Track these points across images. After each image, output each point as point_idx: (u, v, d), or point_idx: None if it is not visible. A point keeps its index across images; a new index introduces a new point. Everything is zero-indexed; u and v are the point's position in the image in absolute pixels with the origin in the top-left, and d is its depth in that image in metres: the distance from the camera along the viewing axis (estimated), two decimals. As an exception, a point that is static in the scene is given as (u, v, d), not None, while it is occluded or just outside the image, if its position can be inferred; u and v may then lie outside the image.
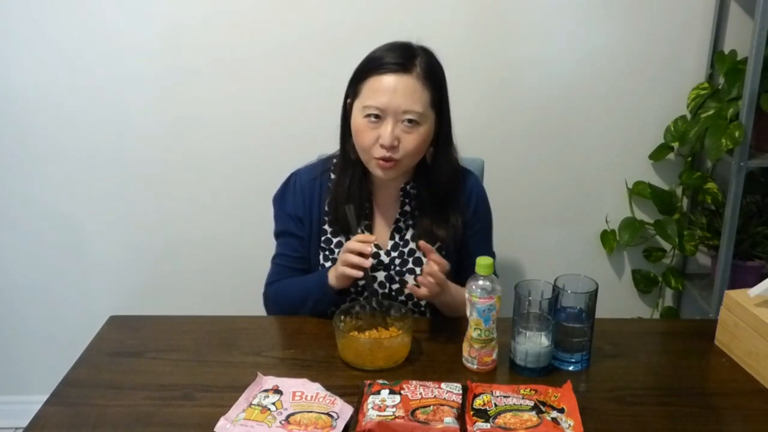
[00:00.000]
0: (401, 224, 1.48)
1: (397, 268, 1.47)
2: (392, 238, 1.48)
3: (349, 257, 1.31)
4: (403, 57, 1.32)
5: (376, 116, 1.32)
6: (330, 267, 1.40)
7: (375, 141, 1.33)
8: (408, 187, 1.47)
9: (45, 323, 2.30)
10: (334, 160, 1.50)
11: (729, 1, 1.98)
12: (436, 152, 1.42)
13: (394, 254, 1.47)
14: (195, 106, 2.07)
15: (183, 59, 2.02)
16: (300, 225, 1.48)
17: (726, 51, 1.96)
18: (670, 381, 1.26)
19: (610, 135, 2.11)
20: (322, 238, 1.48)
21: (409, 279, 1.46)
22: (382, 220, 1.49)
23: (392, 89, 1.30)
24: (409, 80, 1.31)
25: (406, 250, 1.47)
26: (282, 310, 1.48)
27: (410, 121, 1.32)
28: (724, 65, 1.93)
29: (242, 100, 2.06)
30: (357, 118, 1.35)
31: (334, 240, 1.48)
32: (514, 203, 2.13)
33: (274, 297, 1.50)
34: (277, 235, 1.52)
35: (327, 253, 1.48)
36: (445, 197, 1.45)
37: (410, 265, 1.47)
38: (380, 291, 1.47)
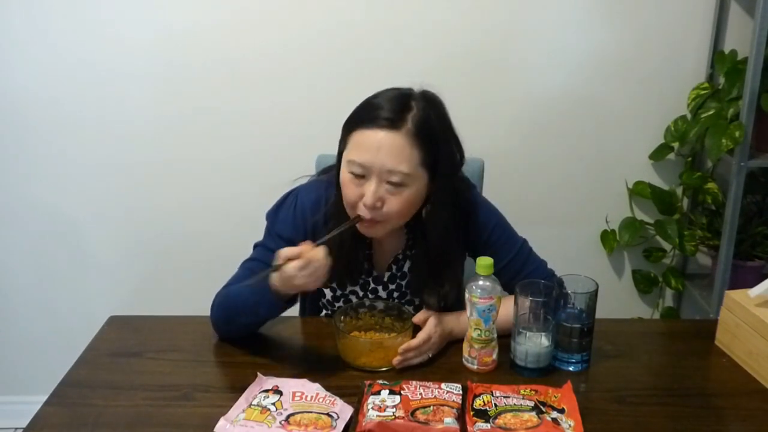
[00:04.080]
0: (400, 256, 1.42)
1: (395, 301, 1.43)
2: (389, 269, 1.42)
3: (306, 276, 1.15)
4: (394, 111, 1.21)
5: (361, 174, 1.22)
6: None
7: (359, 198, 1.23)
8: (412, 222, 1.35)
9: (45, 323, 2.30)
10: (335, 194, 1.36)
11: (729, 1, 1.98)
12: (432, 209, 1.31)
13: (392, 286, 1.43)
14: (195, 107, 2.07)
15: (182, 60, 2.02)
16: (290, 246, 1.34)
17: (726, 51, 1.96)
18: (670, 381, 1.26)
19: (610, 135, 2.11)
20: None
21: (407, 309, 1.36)
22: (381, 253, 1.41)
23: (377, 147, 1.20)
24: (397, 138, 1.20)
25: (403, 282, 1.43)
26: (220, 317, 1.35)
27: (395, 182, 1.22)
28: (724, 65, 1.93)
29: (242, 101, 2.06)
30: (343, 171, 1.26)
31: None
32: (513, 203, 2.11)
33: (216, 302, 1.36)
34: (258, 245, 1.41)
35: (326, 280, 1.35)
36: (439, 255, 1.34)
37: (408, 297, 1.44)
38: None
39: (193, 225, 2.19)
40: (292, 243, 1.26)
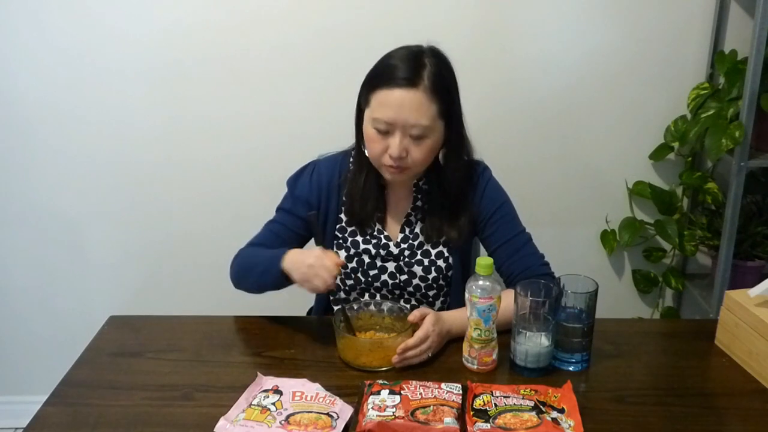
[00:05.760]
0: (412, 218, 1.51)
1: (406, 259, 1.49)
2: (402, 231, 1.51)
3: (326, 279, 1.30)
4: (410, 70, 1.33)
5: (385, 130, 1.34)
6: (293, 249, 1.39)
7: (384, 151, 1.36)
8: (421, 183, 1.49)
9: (45, 323, 2.30)
10: (353, 152, 1.52)
11: (729, 1, 1.98)
12: (448, 153, 1.45)
13: (403, 246, 1.50)
14: (196, 107, 2.07)
15: (183, 61, 2.02)
16: (307, 208, 1.50)
17: (726, 51, 1.96)
18: (670, 381, 1.26)
19: (610, 135, 2.11)
20: (337, 226, 1.51)
21: (417, 270, 1.48)
22: (393, 213, 1.52)
23: (399, 104, 1.32)
24: (416, 95, 1.32)
25: (415, 243, 1.50)
26: (236, 272, 1.48)
27: (417, 135, 1.34)
28: (724, 65, 1.93)
29: (243, 101, 2.07)
30: (367, 128, 1.38)
31: (349, 229, 1.51)
32: (513, 203, 2.13)
33: (237, 257, 1.50)
34: (279, 209, 1.54)
35: (341, 241, 1.51)
36: (456, 196, 1.47)
37: (418, 257, 1.49)
38: (390, 282, 1.50)
39: (193, 225, 2.19)
40: (309, 204, 1.49)
